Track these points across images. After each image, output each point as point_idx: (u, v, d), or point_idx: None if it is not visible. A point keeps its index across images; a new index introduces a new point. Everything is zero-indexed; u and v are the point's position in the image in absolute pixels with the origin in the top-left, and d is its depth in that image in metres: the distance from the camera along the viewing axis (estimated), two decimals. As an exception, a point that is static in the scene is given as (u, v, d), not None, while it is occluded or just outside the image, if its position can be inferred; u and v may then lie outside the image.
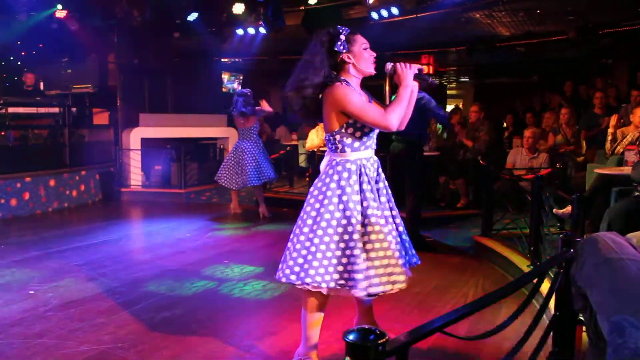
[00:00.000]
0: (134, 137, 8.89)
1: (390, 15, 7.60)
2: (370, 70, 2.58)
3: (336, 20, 8.01)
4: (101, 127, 9.20)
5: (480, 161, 5.79)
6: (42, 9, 8.34)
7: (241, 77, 12.38)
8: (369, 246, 2.44)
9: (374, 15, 7.72)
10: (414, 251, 2.70)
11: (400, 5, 7.49)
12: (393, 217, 2.62)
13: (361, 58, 2.56)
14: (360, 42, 2.58)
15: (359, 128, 2.49)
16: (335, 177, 2.49)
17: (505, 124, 9.56)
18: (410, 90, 2.53)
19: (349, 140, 2.50)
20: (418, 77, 2.57)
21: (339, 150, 2.53)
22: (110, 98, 9.22)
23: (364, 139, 2.53)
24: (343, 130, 2.49)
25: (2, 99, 7.77)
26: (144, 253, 5.32)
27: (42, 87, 9.38)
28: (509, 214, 5.46)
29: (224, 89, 11.90)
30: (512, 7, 7.69)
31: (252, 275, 4.38)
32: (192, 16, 8.40)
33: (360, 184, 2.50)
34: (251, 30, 8.63)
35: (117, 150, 8.90)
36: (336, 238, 2.43)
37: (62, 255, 4.98)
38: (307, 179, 8.34)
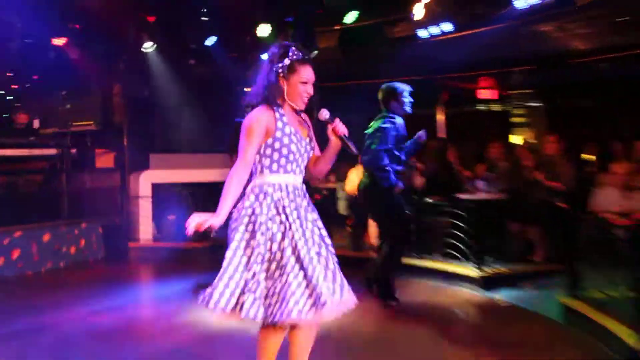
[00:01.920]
0: (144, 182, 8.94)
1: (442, 32, 7.62)
2: (299, 106, 2.93)
3: (378, 40, 8.30)
4: (105, 171, 9.27)
5: (561, 204, 5.58)
6: (38, 36, 8.54)
7: None
8: (276, 273, 2.74)
9: (422, 33, 7.78)
10: (346, 292, 2.90)
11: (453, 20, 7.51)
12: (320, 249, 2.88)
13: (293, 90, 2.90)
14: (302, 75, 2.90)
15: (277, 150, 2.87)
16: (251, 198, 2.82)
17: (587, 157, 9.28)
18: (337, 151, 2.96)
19: (267, 162, 2.88)
20: (343, 140, 2.89)
21: (258, 172, 2.89)
22: (115, 137, 9.35)
23: (283, 162, 2.88)
24: (262, 151, 2.87)
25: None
26: (157, 324, 5.26)
27: (36, 125, 9.41)
28: (599, 269, 5.17)
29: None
30: (589, 15, 7.53)
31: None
32: (210, 40, 8.67)
33: (277, 208, 2.81)
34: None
35: (123, 198, 8.96)
36: (244, 260, 2.75)
37: (57, 328, 4.89)
38: (349, 228, 8.29)
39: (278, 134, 2.89)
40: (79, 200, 8.33)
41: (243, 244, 2.77)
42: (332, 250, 2.96)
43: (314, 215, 2.96)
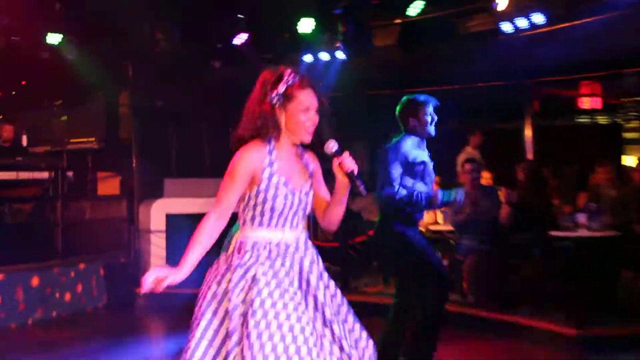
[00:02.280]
0: (157, 213, 9.01)
1: (532, 25, 7.59)
2: (303, 138, 3.04)
3: (449, 37, 8.34)
4: (109, 199, 9.39)
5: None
6: (28, 32, 8.78)
7: None
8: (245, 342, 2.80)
9: (506, 27, 7.76)
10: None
11: (546, 10, 7.47)
12: (324, 320, 2.99)
13: (292, 120, 3.01)
14: (302, 102, 3.00)
15: (259, 203, 2.98)
16: (222, 259, 3.03)
17: None
18: (346, 191, 3.05)
19: (249, 214, 3.03)
20: (352, 178, 2.99)
21: (240, 224, 3.05)
22: (122, 157, 9.46)
23: (267, 217, 3.01)
24: (245, 200, 3.02)
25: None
26: None
27: (24, 142, 9.60)
28: None
29: None
30: None
31: None
32: (240, 38, 8.81)
33: (250, 271, 2.94)
34: (324, 56, 8.94)
35: (131, 231, 9.02)
36: (215, 321, 2.94)
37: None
38: None
39: (262, 185, 3.00)
40: (76, 235, 8.39)
41: (209, 314, 2.95)
42: (342, 313, 3.11)
43: (322, 277, 3.08)
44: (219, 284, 2.97)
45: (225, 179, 2.99)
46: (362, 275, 9.35)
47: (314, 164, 3.21)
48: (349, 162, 2.99)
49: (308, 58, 9.15)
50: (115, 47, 9.18)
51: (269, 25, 9.03)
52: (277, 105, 3.00)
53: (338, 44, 8.64)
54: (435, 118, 4.93)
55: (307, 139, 3.04)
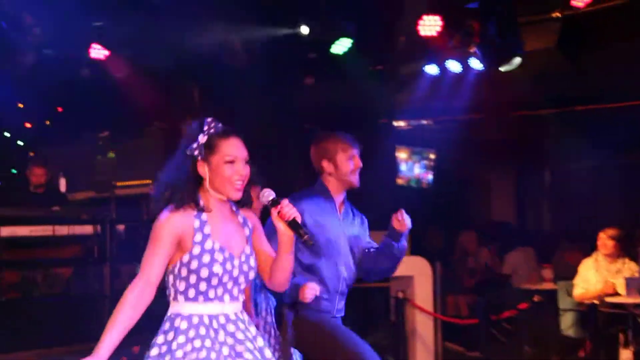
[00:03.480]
0: None
1: None
2: (230, 195, 3.07)
3: (631, 34, 7.95)
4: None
5: None
6: (64, 46, 8.34)
7: (432, 157, 12.36)
8: None
9: None
10: None
11: None
12: None
13: (218, 175, 3.03)
14: (226, 152, 3.05)
15: (194, 271, 3.01)
16: (159, 338, 2.98)
17: None
18: (291, 243, 3.17)
19: (181, 286, 3.04)
20: (294, 226, 3.08)
21: (171, 298, 3.09)
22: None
23: (204, 287, 3.03)
24: (175, 271, 3.04)
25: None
26: None
27: (62, 188, 9.23)
28: None
29: (399, 180, 12.00)
30: None
31: None
32: (342, 45, 8.37)
33: (196, 345, 2.98)
34: (454, 66, 8.51)
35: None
36: None
37: None
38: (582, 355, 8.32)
39: (195, 250, 3.02)
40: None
41: None
42: None
43: (265, 353, 3.18)
44: None
45: (149, 246, 3.04)
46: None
47: (251, 220, 3.32)
48: (288, 210, 3.10)
49: (432, 69, 8.68)
50: (178, 65, 8.88)
51: (378, 26, 8.65)
52: (198, 159, 3.08)
53: (473, 49, 8.06)
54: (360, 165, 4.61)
55: (236, 195, 3.09)
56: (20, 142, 9.84)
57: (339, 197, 4.58)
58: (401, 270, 8.56)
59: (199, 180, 3.04)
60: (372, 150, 10.63)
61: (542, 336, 9.01)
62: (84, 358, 2.72)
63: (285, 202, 3.06)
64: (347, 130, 10.15)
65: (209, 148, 3.00)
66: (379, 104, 10.06)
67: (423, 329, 9.10)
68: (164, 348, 2.95)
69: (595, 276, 8.04)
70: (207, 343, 2.96)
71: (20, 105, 9.41)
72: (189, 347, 2.94)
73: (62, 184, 9.04)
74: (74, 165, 9.68)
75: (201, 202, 3.04)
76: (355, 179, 4.41)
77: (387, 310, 9.42)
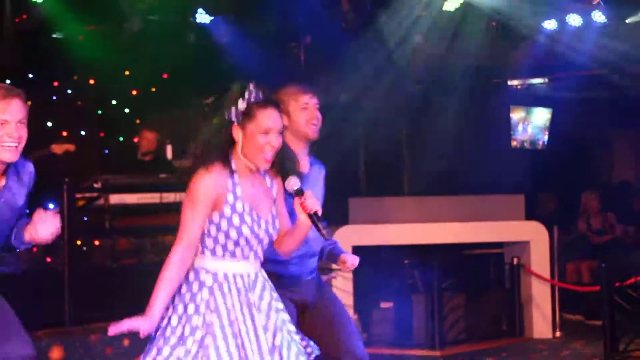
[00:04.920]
0: (340, 245, 8.41)
1: None
2: (259, 164, 3.26)
3: None
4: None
5: None
6: (168, 10, 8.77)
7: (550, 116, 12.33)
8: None
9: None
10: None
11: None
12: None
13: (250, 143, 3.20)
14: (262, 123, 3.20)
15: (223, 231, 3.20)
16: (182, 288, 3.16)
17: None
18: (307, 232, 3.42)
19: (209, 243, 3.22)
20: (313, 219, 3.26)
21: (198, 251, 3.25)
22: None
23: (231, 246, 3.23)
24: (205, 228, 3.22)
25: (100, 178, 7.75)
26: None
27: (169, 155, 9.29)
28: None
29: (513, 142, 12.02)
30: None
31: None
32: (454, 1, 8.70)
33: (210, 307, 3.20)
34: (574, 20, 8.77)
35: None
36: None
37: None
38: None
39: (226, 211, 3.22)
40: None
41: (173, 338, 3.21)
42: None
43: (281, 315, 3.38)
44: (170, 320, 3.21)
45: (187, 207, 3.22)
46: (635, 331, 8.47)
47: (277, 184, 3.50)
48: (311, 203, 3.29)
49: (551, 24, 8.98)
50: (282, 27, 9.27)
51: None
52: (234, 123, 3.27)
53: (597, 1, 8.37)
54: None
55: (265, 166, 3.28)
56: (126, 110, 10.00)
57: (300, 151, 4.33)
58: (516, 235, 9.14)
59: (232, 144, 3.20)
60: (485, 111, 10.81)
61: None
62: (137, 317, 2.91)
63: (308, 193, 3.21)
64: (459, 90, 9.72)
65: (247, 115, 3.15)
66: (492, 63, 10.12)
67: (539, 296, 9.18)
68: (188, 297, 3.13)
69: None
70: (228, 300, 3.17)
71: (127, 73, 9.58)
72: (212, 303, 3.14)
73: (169, 151, 9.12)
74: (180, 132, 9.54)
75: (233, 165, 3.19)
76: (311, 130, 4.21)
77: (502, 277, 9.45)
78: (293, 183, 3.22)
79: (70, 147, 8.70)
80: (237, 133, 3.17)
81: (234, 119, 3.16)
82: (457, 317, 8.66)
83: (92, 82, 10.18)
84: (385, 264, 8.67)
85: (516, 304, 9.22)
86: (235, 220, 3.18)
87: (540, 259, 9.21)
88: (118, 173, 8.30)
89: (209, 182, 3.14)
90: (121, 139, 9.83)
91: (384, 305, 8.61)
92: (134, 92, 10.01)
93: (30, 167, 3.84)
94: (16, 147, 3.27)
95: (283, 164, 3.30)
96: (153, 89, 9.97)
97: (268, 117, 3.18)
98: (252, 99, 3.16)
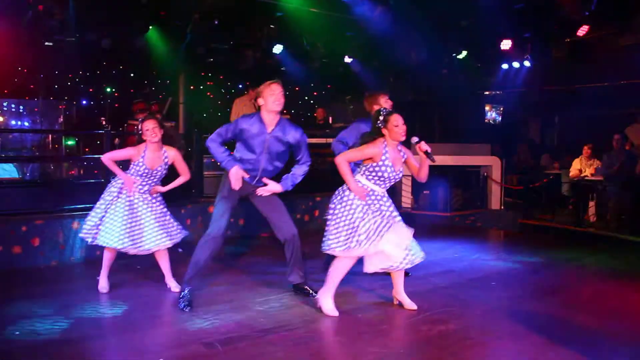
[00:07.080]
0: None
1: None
2: (399, 139, 4.84)
3: (609, 50, 11.14)
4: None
5: None
6: (333, 57, 12.37)
7: (502, 109, 15.96)
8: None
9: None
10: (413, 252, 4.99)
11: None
12: (389, 220, 4.92)
13: (392, 131, 4.88)
14: (394, 121, 4.80)
15: (376, 172, 4.92)
16: (345, 185, 4.90)
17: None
18: (426, 162, 4.91)
19: (368, 173, 4.94)
20: (427, 153, 4.78)
21: (361, 173, 4.98)
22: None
23: (376, 179, 4.97)
24: (368, 166, 4.94)
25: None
26: (416, 270, 6.52)
27: (330, 121, 13.30)
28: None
29: (485, 120, 15.81)
30: None
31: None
32: (462, 54, 12.99)
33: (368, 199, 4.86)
34: (516, 64, 12.58)
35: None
36: (350, 217, 4.88)
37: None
38: (570, 207, 11.61)
39: (380, 163, 4.67)
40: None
41: (347, 209, 4.74)
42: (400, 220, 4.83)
43: (391, 210, 4.85)
44: (347, 200, 4.78)
45: (361, 149, 4.78)
46: (536, 207, 12.24)
47: (406, 152, 4.87)
48: (424, 146, 4.71)
49: (505, 66, 12.79)
50: (383, 64, 12.96)
51: (482, 44, 12.51)
52: (381, 127, 4.81)
53: (527, 56, 12.05)
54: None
55: (402, 139, 4.77)
56: (312, 102, 13.81)
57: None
58: (485, 162, 12.58)
59: (381, 134, 4.79)
60: (472, 107, 14.58)
61: (552, 195, 12.13)
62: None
63: (423, 142, 4.67)
64: (459, 97, 14.56)
65: (386, 121, 4.86)
66: (478, 83, 14.30)
67: (495, 190, 12.47)
68: (345, 189, 4.69)
69: (578, 165, 11.37)
70: (368, 200, 4.68)
71: (312, 85, 14.28)
72: (357, 199, 4.65)
73: (330, 119, 12.41)
74: (336, 110, 13.60)
75: (385, 141, 4.71)
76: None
77: (478, 181, 12.77)
78: (414, 138, 4.65)
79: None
80: (384, 130, 4.76)
81: (380, 125, 4.80)
82: (458, 197, 12.03)
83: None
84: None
85: (485, 194, 12.57)
86: (383, 168, 4.62)
87: (496, 173, 12.51)
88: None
89: (375, 148, 4.68)
90: (309, 114, 14.28)
91: (425, 192, 12.08)
92: (314, 93, 14.91)
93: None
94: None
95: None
96: (323, 92, 14.55)
97: (397, 118, 4.76)
98: (385, 113, 4.79)
